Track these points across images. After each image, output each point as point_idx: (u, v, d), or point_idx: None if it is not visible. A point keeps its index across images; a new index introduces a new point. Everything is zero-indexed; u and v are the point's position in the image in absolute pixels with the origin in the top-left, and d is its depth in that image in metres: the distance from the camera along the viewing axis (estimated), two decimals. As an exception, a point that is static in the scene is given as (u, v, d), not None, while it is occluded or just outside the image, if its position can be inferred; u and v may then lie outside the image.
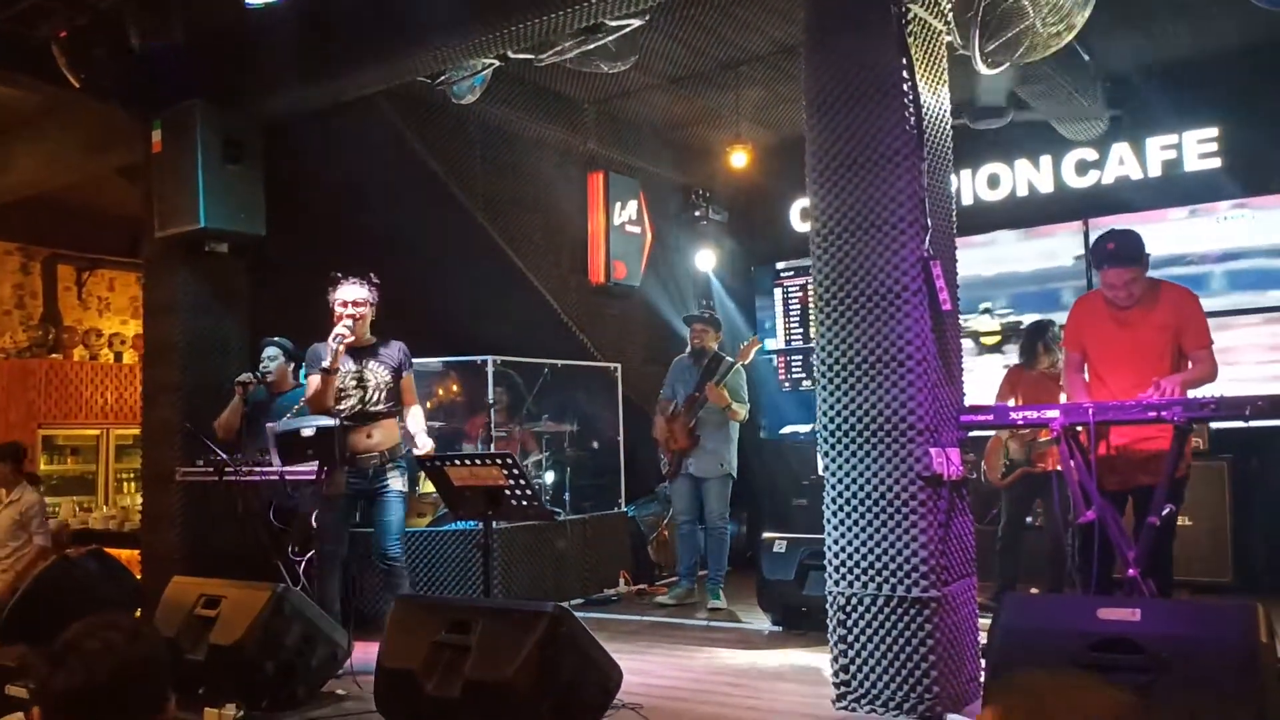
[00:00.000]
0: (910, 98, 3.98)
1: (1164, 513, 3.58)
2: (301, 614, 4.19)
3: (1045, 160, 7.61)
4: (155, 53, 5.11)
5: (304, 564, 5.32)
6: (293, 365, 6.08)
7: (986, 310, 7.64)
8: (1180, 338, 4.07)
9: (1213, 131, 6.98)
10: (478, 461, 4.10)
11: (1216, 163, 6.96)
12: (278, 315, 6.61)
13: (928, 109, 4.08)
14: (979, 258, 7.48)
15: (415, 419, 5.03)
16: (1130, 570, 3.59)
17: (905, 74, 3.97)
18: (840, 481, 4.00)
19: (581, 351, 7.77)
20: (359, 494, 4.91)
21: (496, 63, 5.89)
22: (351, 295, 4.91)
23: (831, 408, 4.04)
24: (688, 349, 6.75)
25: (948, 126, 4.30)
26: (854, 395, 3.98)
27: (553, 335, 7.58)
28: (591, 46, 5.54)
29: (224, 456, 5.30)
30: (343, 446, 4.76)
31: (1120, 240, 4.16)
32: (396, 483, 4.91)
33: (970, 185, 7.91)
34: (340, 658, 4.34)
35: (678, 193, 8.75)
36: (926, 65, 4.14)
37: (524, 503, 4.08)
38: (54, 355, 9.53)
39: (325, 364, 4.78)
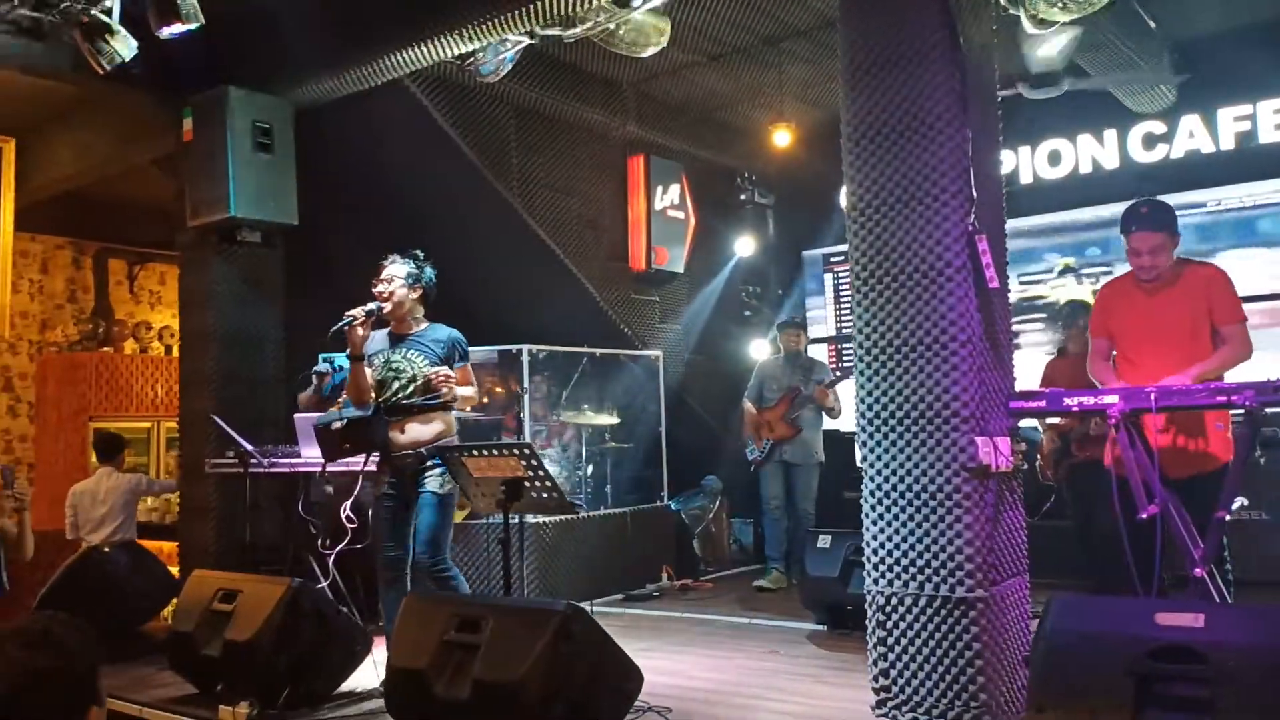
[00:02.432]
0: (954, 58, 3.69)
1: (1235, 506, 3.26)
2: (318, 610, 4.06)
3: (1110, 134, 7.22)
4: (177, 38, 4.96)
5: (333, 557, 5.22)
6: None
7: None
8: (1212, 316, 3.82)
9: (1291, 101, 6.54)
10: (496, 452, 3.92)
11: (1295, 134, 6.53)
12: (314, 305, 6.52)
13: (973, 73, 3.79)
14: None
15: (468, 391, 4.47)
16: (1196, 569, 3.29)
17: (948, 34, 3.69)
18: (879, 474, 3.74)
19: (622, 340, 7.56)
20: (403, 497, 4.36)
21: (526, 40, 5.71)
22: (384, 271, 4.40)
23: (870, 394, 3.78)
24: (780, 353, 7.09)
25: (995, 92, 4.00)
26: (894, 381, 3.72)
27: (592, 323, 7.38)
28: (621, 18, 5.34)
29: (248, 448, 5.19)
30: (378, 436, 4.33)
31: (1154, 205, 3.98)
32: (433, 483, 4.27)
33: (1030, 162, 7.54)
34: (359, 655, 4.20)
35: (723, 176, 8.48)
36: (973, 25, 3.85)
37: (544, 494, 3.88)
38: (105, 349, 9.60)
39: (348, 351, 4.32)
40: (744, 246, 8.45)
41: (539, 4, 4.94)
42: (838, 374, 6.79)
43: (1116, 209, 4.24)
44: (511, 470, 3.89)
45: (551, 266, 7.13)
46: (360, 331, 4.27)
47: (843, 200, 8.35)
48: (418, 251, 4.54)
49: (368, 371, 4.39)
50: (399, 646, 3.46)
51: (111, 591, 5.02)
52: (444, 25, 5.23)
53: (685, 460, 7.79)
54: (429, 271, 4.51)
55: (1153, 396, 3.35)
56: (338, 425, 4.43)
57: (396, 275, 4.39)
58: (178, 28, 4.93)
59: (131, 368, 9.55)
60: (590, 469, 7.12)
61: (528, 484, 3.89)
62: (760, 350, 8.09)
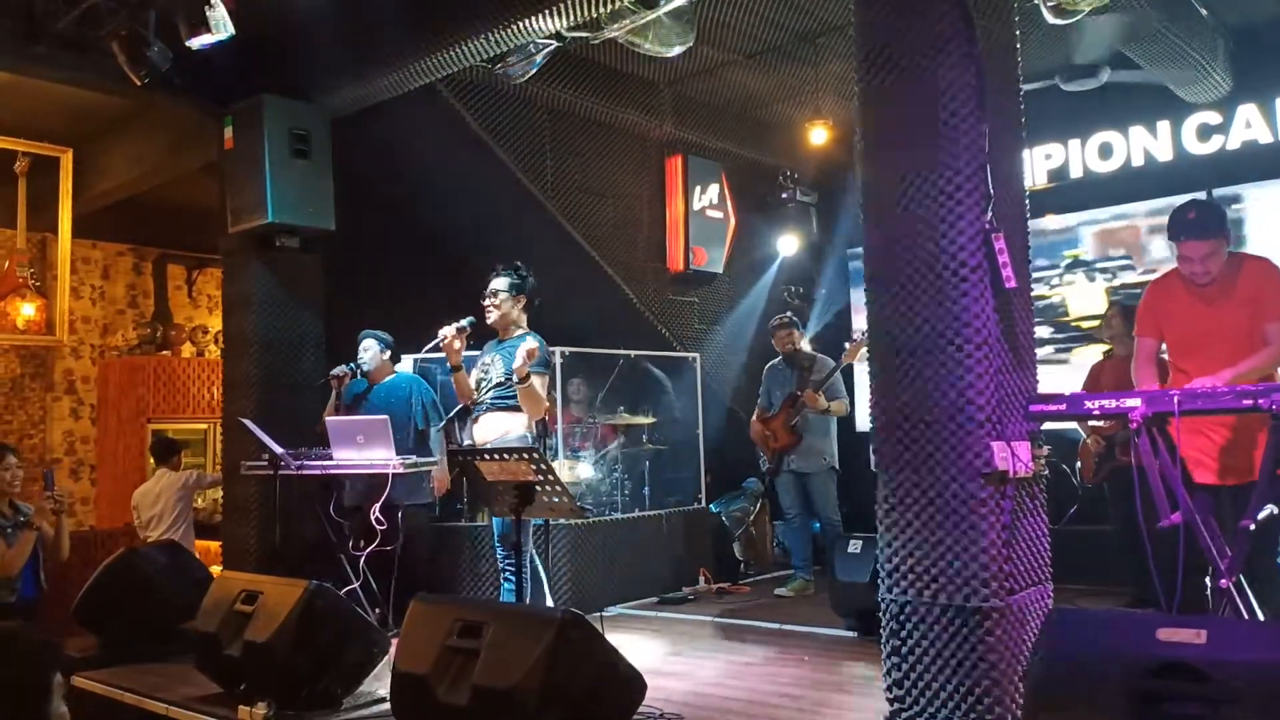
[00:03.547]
0: (970, 52, 3.58)
1: (1262, 515, 3.11)
2: (336, 611, 4.09)
3: (1163, 126, 6.97)
4: (209, 49, 5.06)
5: (362, 559, 5.27)
6: (389, 353, 6.05)
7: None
8: (1260, 312, 3.66)
9: (1354, 88, 6.25)
10: (507, 456, 3.91)
11: (1358, 123, 6.25)
12: (355, 308, 6.61)
13: (993, 68, 3.68)
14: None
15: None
16: (1222, 580, 3.15)
17: (964, 29, 3.59)
18: (893, 479, 3.64)
19: (660, 341, 7.52)
20: None
21: (554, 43, 5.72)
22: (490, 286, 4.89)
23: (884, 397, 3.69)
24: (779, 356, 6.79)
25: (1018, 87, 3.87)
26: (907, 383, 3.61)
27: (629, 325, 7.36)
28: (646, 20, 5.31)
29: (278, 450, 5.27)
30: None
31: (1202, 210, 3.84)
32: None
33: (1080, 156, 7.33)
34: (376, 657, 4.22)
35: (765, 174, 8.39)
36: (991, 16, 3.73)
37: (555, 499, 3.87)
38: (163, 352, 9.85)
39: (448, 363, 4.84)
40: (787, 246, 8.34)
41: (561, 6, 4.94)
42: (836, 365, 6.49)
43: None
44: (523, 474, 3.88)
45: (588, 268, 7.14)
46: (456, 345, 4.73)
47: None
48: (519, 264, 4.99)
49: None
50: (404, 651, 3.47)
51: (149, 591, 5.12)
52: (467, 31, 5.26)
53: (728, 462, 7.73)
54: (530, 281, 4.98)
55: (1176, 400, 3.21)
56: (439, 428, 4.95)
57: (500, 289, 4.87)
58: (207, 39, 5.04)
59: (189, 371, 9.80)
60: (628, 471, 7.09)
61: (539, 488, 3.88)
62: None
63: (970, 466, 3.45)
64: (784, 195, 8.24)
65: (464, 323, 4.80)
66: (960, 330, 3.50)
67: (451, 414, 4.88)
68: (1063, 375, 7.08)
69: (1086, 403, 3.49)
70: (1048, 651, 2.48)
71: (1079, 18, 3.82)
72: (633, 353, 7.11)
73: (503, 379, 4.72)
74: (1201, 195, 6.62)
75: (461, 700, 3.19)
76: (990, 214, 3.54)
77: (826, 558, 6.27)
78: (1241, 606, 3.18)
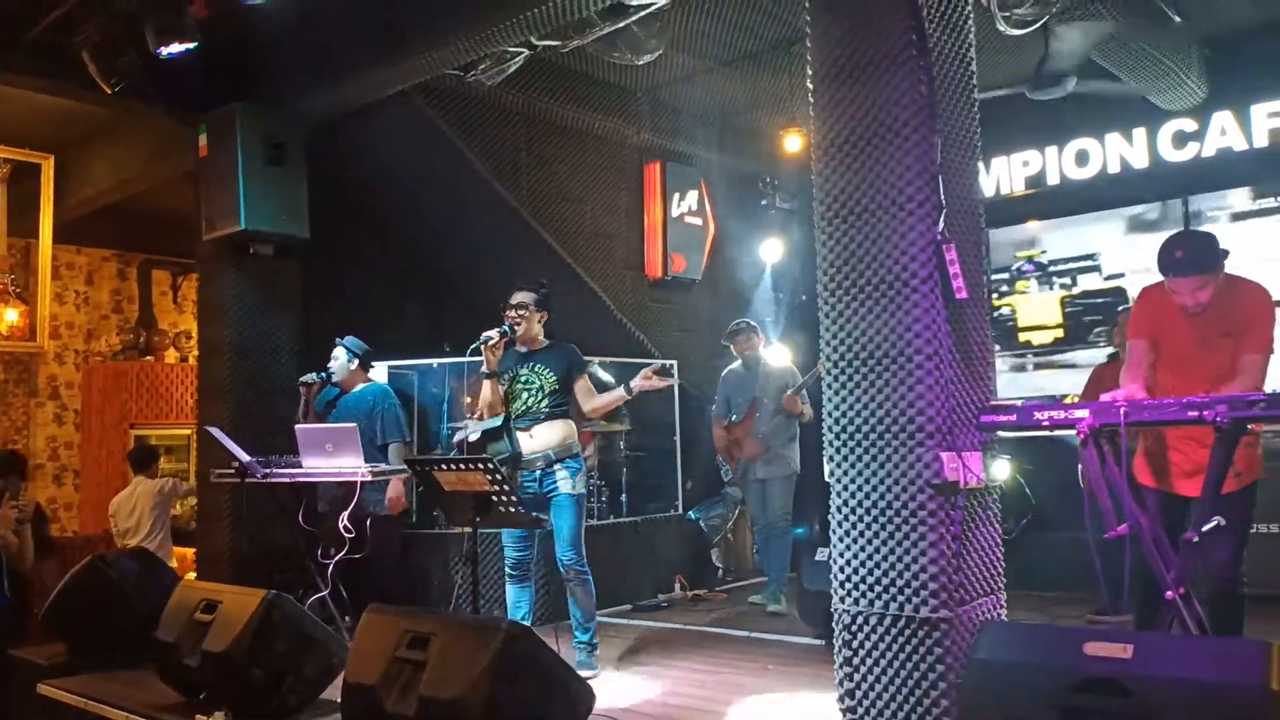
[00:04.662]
0: (921, 64, 3.60)
1: (1206, 528, 3.11)
2: (293, 621, 4.08)
3: (1139, 133, 6.99)
4: (176, 58, 5.08)
5: (331, 567, 5.27)
6: (357, 363, 5.99)
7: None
8: (1243, 344, 3.63)
9: (1328, 95, 6.27)
10: (463, 466, 3.92)
11: (1332, 130, 6.26)
12: (332, 316, 6.61)
13: (945, 77, 3.69)
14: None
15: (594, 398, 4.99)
16: (1168, 592, 3.15)
17: (916, 40, 3.60)
18: (845, 489, 3.65)
19: (639, 348, 7.52)
20: (534, 498, 4.76)
21: (525, 51, 5.73)
22: (514, 300, 4.97)
23: (836, 407, 3.70)
24: (738, 361, 6.72)
25: (972, 96, 3.88)
26: (859, 394, 3.63)
27: (607, 332, 7.36)
28: (615, 28, 5.33)
29: (245, 459, 5.28)
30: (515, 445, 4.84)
31: (1189, 246, 3.72)
32: (565, 485, 4.77)
33: (1056, 163, 7.35)
34: (336, 667, 4.22)
35: (746, 181, 8.39)
36: (944, 27, 3.74)
37: (511, 509, 3.87)
38: (146, 357, 9.86)
39: (483, 368, 4.88)
40: (770, 252, 8.35)
41: (528, 16, 4.95)
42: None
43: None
44: (480, 485, 3.89)
45: (564, 275, 7.13)
46: (495, 353, 4.82)
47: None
48: (542, 281, 5.14)
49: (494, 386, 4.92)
50: (354, 661, 3.47)
51: (117, 598, 5.11)
52: (429, 41, 5.27)
53: (710, 469, 7.73)
54: (550, 295, 5.11)
55: (1122, 412, 3.21)
56: (475, 437, 4.94)
57: (526, 302, 4.96)
58: (176, 47, 5.06)
59: (172, 376, 9.80)
60: (604, 478, 7.09)
61: (495, 498, 3.88)
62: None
63: (920, 478, 3.47)
64: (764, 202, 8.25)
65: (504, 328, 4.90)
66: (911, 341, 3.52)
67: (486, 426, 4.88)
68: (1069, 378, 7.22)
69: (1036, 413, 3.49)
70: (978, 664, 2.48)
71: (1033, 29, 3.80)
72: (609, 359, 7.10)
73: (555, 388, 4.87)
74: (1176, 202, 6.74)
75: (409, 711, 3.19)
76: (942, 225, 3.54)
77: (769, 563, 6.22)
78: (1189, 619, 3.18)
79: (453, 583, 6.07)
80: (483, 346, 4.80)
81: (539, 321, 5.02)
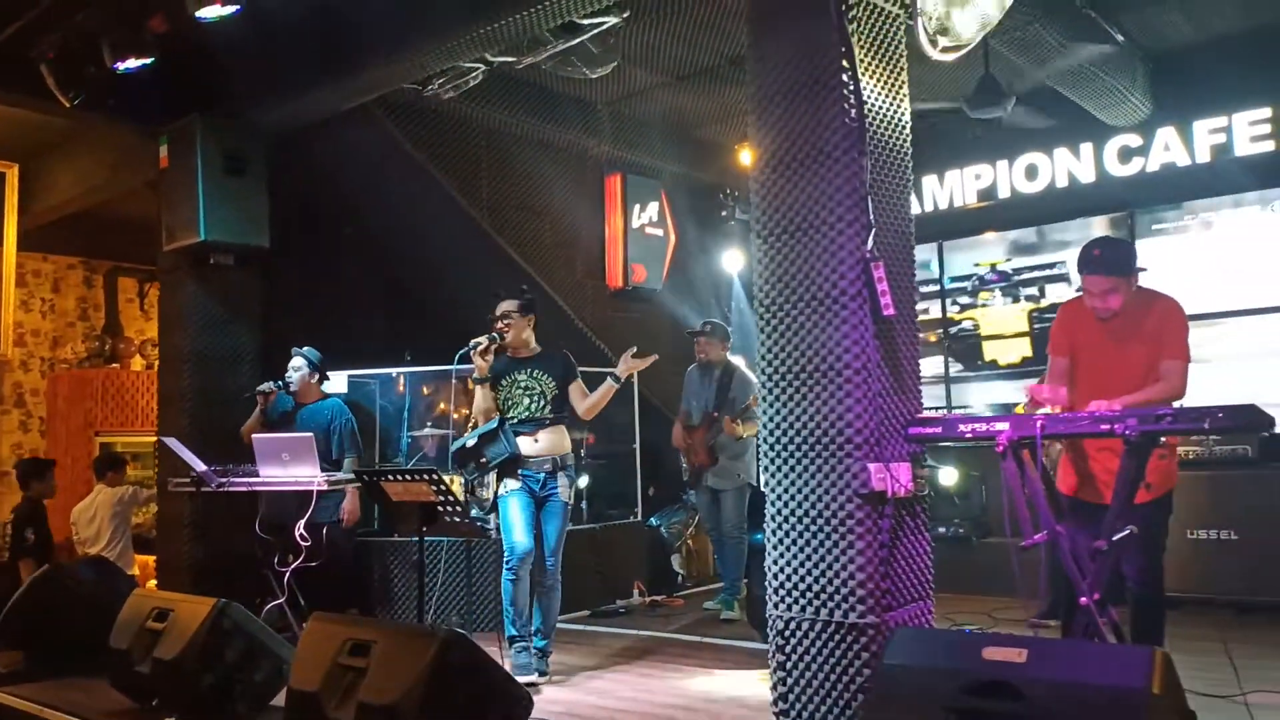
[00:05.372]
0: (851, 89, 3.72)
1: (1117, 537, 3.25)
2: (243, 629, 4.16)
3: (1086, 148, 7.14)
4: (134, 72, 5.14)
5: (288, 575, 5.34)
6: (317, 377, 6.05)
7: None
8: (1159, 351, 3.76)
9: (1265, 112, 6.43)
10: (409, 477, 4.01)
11: (1270, 145, 6.42)
12: (295, 325, 6.68)
13: (874, 101, 3.82)
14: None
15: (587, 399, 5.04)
16: (1082, 599, 3.28)
17: (845, 63, 3.72)
18: (779, 498, 3.78)
19: (599, 358, 7.61)
20: (533, 497, 4.91)
21: (482, 67, 5.83)
22: (499, 310, 5.09)
23: (772, 419, 3.82)
24: (696, 363, 6.74)
25: (904, 118, 4.01)
26: (793, 406, 3.75)
27: (569, 342, 7.44)
28: (568, 46, 5.44)
29: (200, 469, 5.34)
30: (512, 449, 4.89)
31: (1108, 248, 3.92)
32: (564, 492, 4.94)
33: (1007, 177, 7.49)
34: (286, 673, 4.29)
35: (707, 193, 8.51)
36: (874, 53, 3.88)
37: (455, 519, 3.96)
38: (112, 365, 9.87)
39: (475, 374, 4.98)
40: (733, 263, 8.46)
41: (481, 34, 5.05)
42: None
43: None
44: (425, 495, 3.98)
45: (525, 286, 7.22)
46: (485, 358, 4.91)
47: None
48: (524, 287, 5.27)
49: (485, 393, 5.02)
50: (298, 668, 3.55)
51: (74, 606, 5.16)
52: (391, 56, 5.36)
53: (672, 476, 7.82)
54: (534, 300, 5.23)
55: (1039, 425, 3.34)
56: (473, 443, 4.96)
57: (512, 310, 5.07)
58: (133, 62, 5.12)
59: (138, 384, 9.81)
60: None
61: (440, 508, 3.97)
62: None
63: (849, 488, 3.59)
64: (724, 214, 8.37)
65: (494, 334, 4.99)
66: (841, 356, 3.64)
67: (484, 429, 4.94)
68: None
69: (960, 426, 3.61)
70: (884, 668, 2.60)
71: (963, 53, 3.93)
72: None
73: (557, 393, 4.99)
74: (1121, 214, 6.90)
75: (348, 717, 3.28)
76: (871, 244, 3.67)
77: (723, 570, 6.34)
78: (1101, 625, 3.31)
79: (406, 589, 6.15)
80: (472, 352, 4.90)
81: (528, 326, 5.11)
